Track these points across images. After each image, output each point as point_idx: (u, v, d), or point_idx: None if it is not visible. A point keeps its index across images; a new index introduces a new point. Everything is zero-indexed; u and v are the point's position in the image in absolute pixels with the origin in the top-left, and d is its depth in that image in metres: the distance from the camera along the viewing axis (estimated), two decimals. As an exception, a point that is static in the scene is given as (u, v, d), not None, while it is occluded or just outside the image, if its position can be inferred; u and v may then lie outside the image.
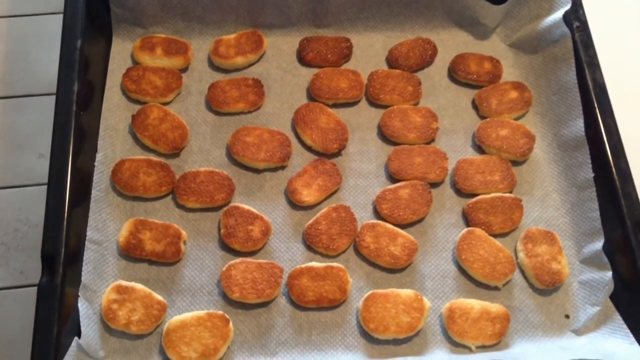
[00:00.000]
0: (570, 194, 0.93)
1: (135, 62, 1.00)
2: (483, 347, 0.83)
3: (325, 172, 0.92)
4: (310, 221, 0.89)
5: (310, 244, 0.88)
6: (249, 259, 0.86)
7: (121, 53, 1.00)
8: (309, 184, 0.91)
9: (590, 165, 0.91)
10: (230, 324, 0.81)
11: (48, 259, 0.78)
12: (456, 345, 0.83)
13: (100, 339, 0.80)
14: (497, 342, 0.83)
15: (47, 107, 1.05)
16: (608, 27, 1.03)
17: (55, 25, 1.10)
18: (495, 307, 0.84)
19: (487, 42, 1.06)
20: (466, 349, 0.83)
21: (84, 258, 0.83)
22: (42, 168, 1.02)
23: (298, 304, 0.84)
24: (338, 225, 0.88)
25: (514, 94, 0.99)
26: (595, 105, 0.92)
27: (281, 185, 0.93)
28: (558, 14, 0.97)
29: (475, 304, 0.84)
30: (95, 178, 0.89)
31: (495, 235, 0.89)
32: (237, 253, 0.87)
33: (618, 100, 0.92)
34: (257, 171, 0.94)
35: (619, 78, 0.95)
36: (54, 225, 0.80)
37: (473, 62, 1.01)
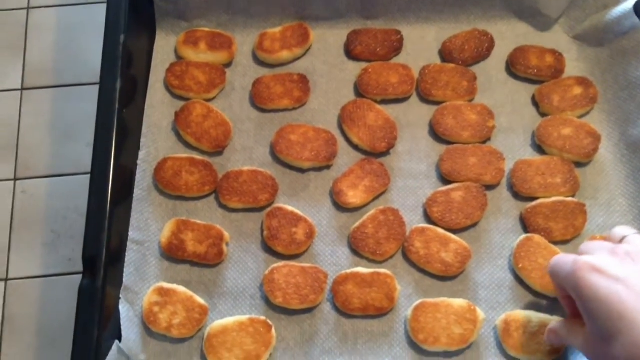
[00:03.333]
0: (638, 199, 0.85)
1: (179, 57, 0.97)
2: (541, 363, 0.78)
3: (372, 173, 0.88)
4: (357, 224, 0.85)
5: (356, 248, 0.84)
6: (292, 263, 0.82)
7: (165, 48, 0.98)
8: (356, 185, 0.87)
9: (662, 169, 0.84)
10: (273, 330, 0.78)
11: (90, 260, 0.77)
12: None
13: (141, 342, 0.79)
14: (556, 358, 0.77)
15: (95, 96, 1.04)
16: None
17: (103, 14, 1.10)
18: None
19: (549, 33, 0.99)
20: (523, 364, 0.78)
21: (126, 259, 0.82)
22: (90, 157, 1.02)
23: (343, 311, 0.81)
24: (386, 229, 0.84)
25: (577, 90, 0.92)
26: (668, 103, 0.85)
27: (326, 185, 0.89)
28: (628, 4, 0.90)
29: (533, 316, 0.79)
30: (138, 176, 0.88)
31: (555, 243, 0.83)
32: (280, 256, 0.84)
33: (695, 98, 0.84)
34: (301, 171, 0.90)
35: (696, 73, 0.87)
36: (95, 226, 0.78)
37: (534, 56, 0.95)
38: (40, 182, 1.02)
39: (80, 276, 0.93)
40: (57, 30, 1.13)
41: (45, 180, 1.03)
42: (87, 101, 1.06)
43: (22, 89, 1.09)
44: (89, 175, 0.95)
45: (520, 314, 0.79)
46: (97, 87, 1.07)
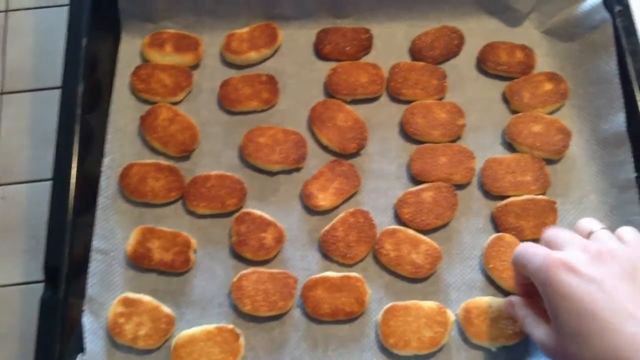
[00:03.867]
0: (609, 196, 0.85)
1: (145, 60, 0.95)
2: (504, 348, 0.78)
3: (342, 174, 0.87)
4: (327, 227, 0.84)
5: (326, 251, 0.83)
6: (261, 269, 0.81)
7: (130, 50, 0.96)
8: (326, 187, 0.86)
9: (633, 164, 0.82)
10: (241, 339, 0.77)
11: (51, 272, 0.75)
12: (475, 348, 0.78)
13: (106, 355, 0.77)
14: (519, 342, 0.77)
15: None
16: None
17: None
18: None
19: (520, 29, 0.97)
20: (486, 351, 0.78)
21: (90, 269, 0.80)
22: None
23: (313, 317, 0.79)
24: (356, 231, 0.83)
25: (548, 86, 0.91)
26: (638, 98, 0.84)
27: (296, 188, 0.87)
28: (598, -2, 0.89)
29: (493, 302, 0.78)
30: (102, 183, 0.86)
31: (527, 241, 0.82)
32: (249, 262, 0.83)
33: (664, 93, 0.83)
34: (270, 174, 0.88)
35: (665, 68, 0.86)
36: (57, 236, 0.77)
37: (504, 52, 0.94)
38: (21, 188, 1.00)
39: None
40: (36, 33, 1.11)
41: (25, 186, 1.00)
42: (68, 105, 1.05)
43: (2, 93, 1.07)
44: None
45: (480, 301, 0.78)
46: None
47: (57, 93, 1.05)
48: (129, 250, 0.82)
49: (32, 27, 1.11)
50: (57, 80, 1.05)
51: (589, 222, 0.69)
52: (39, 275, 0.92)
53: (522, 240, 0.82)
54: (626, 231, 0.66)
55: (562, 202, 0.85)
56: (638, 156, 0.83)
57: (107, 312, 0.79)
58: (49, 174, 0.99)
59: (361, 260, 0.83)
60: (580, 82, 0.91)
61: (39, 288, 0.91)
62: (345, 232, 0.83)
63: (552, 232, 0.68)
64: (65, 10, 1.11)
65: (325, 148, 0.90)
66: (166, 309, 0.79)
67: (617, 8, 0.88)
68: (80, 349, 0.75)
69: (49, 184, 0.98)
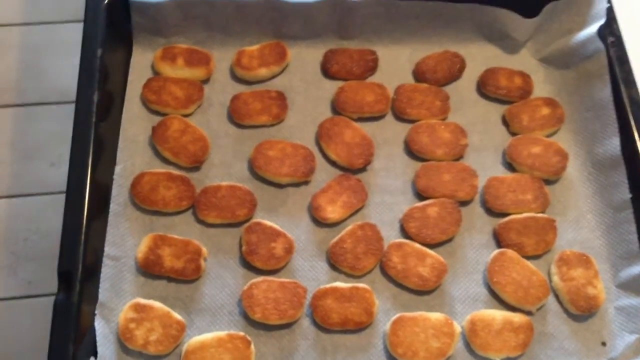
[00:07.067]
0: (605, 216, 0.89)
1: (156, 73, 0.97)
2: (508, 360, 0.80)
3: (350, 188, 0.89)
4: (335, 239, 0.86)
5: (335, 263, 0.84)
6: (271, 278, 0.82)
7: (142, 63, 0.98)
8: (334, 200, 0.88)
9: (627, 186, 0.87)
10: (252, 346, 0.78)
11: (65, 275, 0.75)
12: (479, 359, 0.80)
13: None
14: (522, 354, 0.80)
15: (58, 116, 1.05)
16: (644, 43, 1.00)
17: (68, 33, 1.10)
18: (517, 317, 0.81)
19: (517, 56, 1.02)
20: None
21: (102, 274, 0.80)
22: (53, 177, 1.01)
23: (322, 326, 0.81)
24: (364, 244, 0.85)
25: (545, 110, 0.95)
26: (632, 123, 0.89)
27: (304, 201, 0.90)
28: (592, 29, 0.94)
29: (497, 314, 0.81)
30: (114, 191, 0.87)
31: (527, 257, 0.86)
32: (258, 271, 0.84)
33: (656, 119, 0.88)
34: (279, 186, 0.90)
35: (656, 95, 0.91)
36: (71, 240, 0.77)
37: (503, 77, 0.98)
38: (0, 203, 0.99)
39: (41, 299, 0.92)
40: (21, 49, 1.11)
41: (5, 201, 0.99)
42: (51, 120, 1.04)
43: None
44: (51, 196, 0.94)
45: (485, 313, 0.81)
46: (61, 106, 1.06)
47: (41, 109, 1.06)
48: (139, 257, 0.82)
49: (18, 43, 1.12)
50: (42, 96, 1.06)
51: None
52: (17, 291, 0.92)
53: (524, 256, 0.85)
54: None
55: (561, 221, 0.89)
56: (632, 178, 0.87)
57: (118, 318, 0.79)
58: (30, 189, 0.99)
59: (369, 272, 0.85)
60: (576, 108, 0.96)
61: (17, 305, 0.91)
62: (353, 244, 0.85)
63: None
64: (52, 28, 1.13)
65: (332, 163, 0.93)
66: (177, 315, 0.79)
67: (610, 39, 0.94)
68: (93, 352, 0.75)
69: (29, 199, 0.99)
